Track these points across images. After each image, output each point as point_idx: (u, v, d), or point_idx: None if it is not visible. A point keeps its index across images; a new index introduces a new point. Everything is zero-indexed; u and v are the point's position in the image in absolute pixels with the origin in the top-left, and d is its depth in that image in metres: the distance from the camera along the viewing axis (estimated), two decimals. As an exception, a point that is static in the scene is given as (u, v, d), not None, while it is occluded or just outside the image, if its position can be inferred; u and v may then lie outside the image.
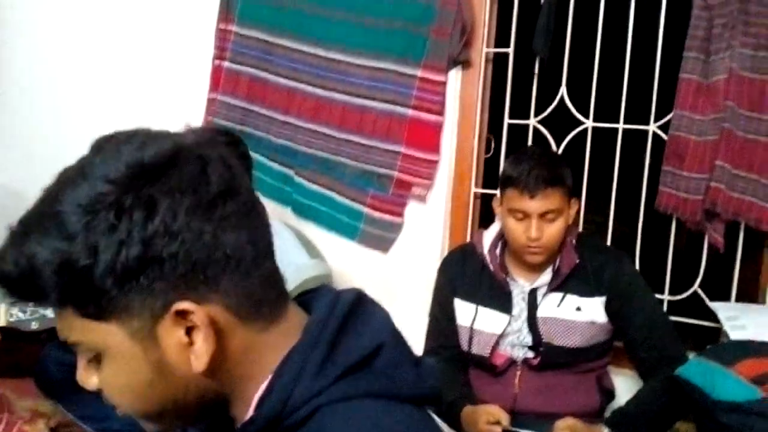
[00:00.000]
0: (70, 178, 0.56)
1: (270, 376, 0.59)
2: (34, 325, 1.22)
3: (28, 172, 2.12)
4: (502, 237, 1.54)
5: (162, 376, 0.58)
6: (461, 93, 1.88)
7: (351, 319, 0.62)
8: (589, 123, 1.79)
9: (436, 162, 1.87)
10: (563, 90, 1.80)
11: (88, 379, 0.61)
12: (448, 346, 1.55)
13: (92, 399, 1.59)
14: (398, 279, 1.91)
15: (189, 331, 0.57)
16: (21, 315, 1.22)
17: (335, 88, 1.97)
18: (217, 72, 2.19)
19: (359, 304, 0.63)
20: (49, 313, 1.22)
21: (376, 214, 1.93)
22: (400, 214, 1.91)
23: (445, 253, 1.82)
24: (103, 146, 0.58)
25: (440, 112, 1.87)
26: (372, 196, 1.92)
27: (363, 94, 1.94)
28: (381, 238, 1.92)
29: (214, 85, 2.20)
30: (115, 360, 0.58)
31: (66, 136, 2.19)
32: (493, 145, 1.93)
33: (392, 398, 0.59)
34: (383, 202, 1.92)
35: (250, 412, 0.59)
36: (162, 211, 0.54)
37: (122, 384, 0.59)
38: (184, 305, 0.55)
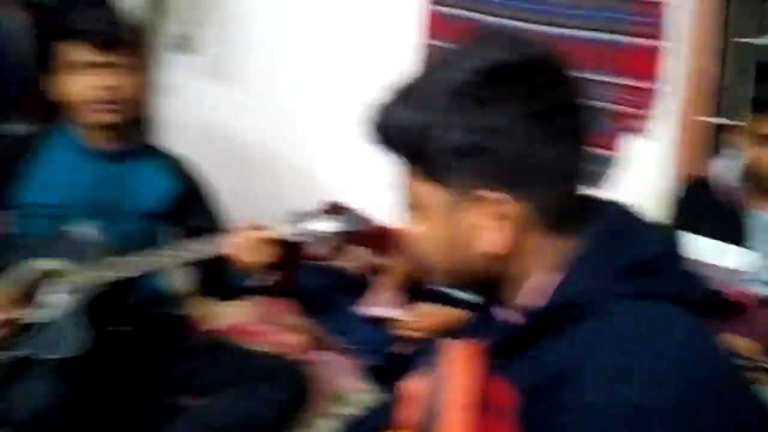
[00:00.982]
0: (443, 63, 0.68)
1: (555, 272, 0.67)
2: (299, 237, 1.40)
3: (270, 123, 2.44)
4: (742, 168, 1.47)
5: (456, 244, 0.70)
6: (688, 12, 1.77)
7: (634, 226, 0.70)
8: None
9: (656, 90, 1.81)
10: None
11: (408, 224, 0.75)
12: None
13: (346, 315, 1.84)
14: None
15: (490, 217, 0.66)
16: (289, 228, 1.40)
17: (548, 21, 1.96)
18: (432, 18, 2.28)
19: (638, 214, 0.70)
20: (311, 227, 1.42)
21: (590, 149, 1.92)
22: (616, 148, 1.89)
23: (671, 187, 1.77)
24: (476, 41, 0.69)
25: (659, 37, 1.79)
26: (586, 129, 1.92)
27: (576, 25, 1.91)
28: (593, 173, 1.92)
29: (428, 31, 2.30)
30: (430, 217, 0.71)
31: (294, 84, 2.48)
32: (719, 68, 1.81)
33: (673, 301, 0.66)
34: (598, 136, 1.91)
35: (534, 298, 0.69)
36: (504, 109, 0.64)
37: (428, 238, 0.72)
38: (492, 194, 0.65)
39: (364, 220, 1.44)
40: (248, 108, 2.40)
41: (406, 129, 0.68)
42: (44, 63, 1.50)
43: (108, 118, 1.49)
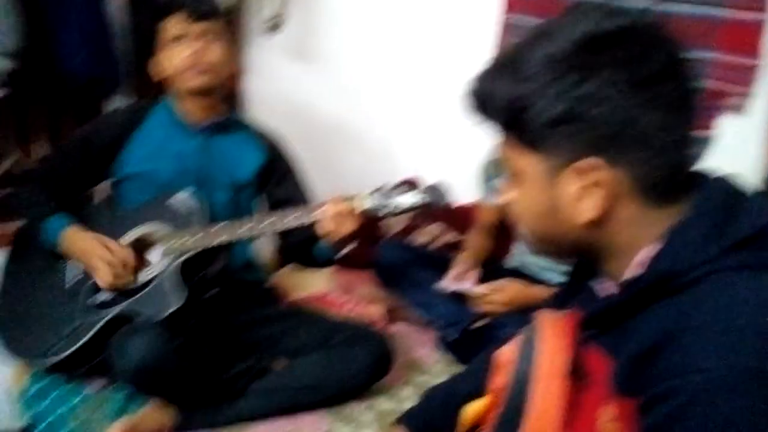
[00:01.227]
0: (540, 33, 0.69)
1: (657, 243, 0.67)
2: (386, 210, 1.43)
3: (351, 101, 2.48)
4: None
5: (554, 213, 0.71)
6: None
7: (738, 199, 0.69)
8: None
9: (756, 67, 1.73)
10: None
11: (503, 194, 0.78)
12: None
13: (423, 288, 1.87)
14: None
15: (587, 186, 0.67)
16: (375, 201, 1.44)
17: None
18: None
19: (742, 187, 0.70)
20: (397, 201, 1.45)
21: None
22: (711, 127, 1.82)
23: (766, 165, 1.70)
24: (573, 12, 0.70)
25: (762, 9, 1.71)
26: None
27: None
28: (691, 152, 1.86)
29: (508, 6, 2.27)
30: (525, 185, 0.72)
31: (375, 63, 2.50)
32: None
33: None
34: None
35: (636, 270, 0.70)
36: (599, 78, 0.64)
37: (523, 205, 0.74)
38: (590, 162, 0.65)
39: (447, 194, 1.46)
40: (330, 87, 2.45)
41: (505, 98, 0.69)
42: (147, 44, 1.59)
43: (198, 81, 1.56)
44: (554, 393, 0.83)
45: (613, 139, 0.65)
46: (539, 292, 1.73)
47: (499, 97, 0.69)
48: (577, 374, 0.76)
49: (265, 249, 2.06)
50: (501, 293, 1.70)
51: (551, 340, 0.88)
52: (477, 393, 1.06)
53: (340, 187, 1.52)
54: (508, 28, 2.28)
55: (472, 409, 1.04)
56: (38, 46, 1.67)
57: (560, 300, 0.99)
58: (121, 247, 1.49)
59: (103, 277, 1.46)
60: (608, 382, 0.73)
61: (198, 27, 1.55)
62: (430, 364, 1.79)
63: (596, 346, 0.76)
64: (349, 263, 2.15)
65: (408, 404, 1.54)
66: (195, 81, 1.57)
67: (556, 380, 0.83)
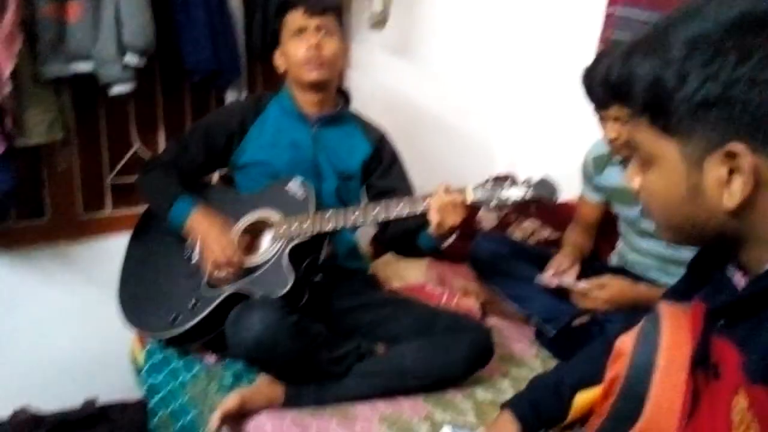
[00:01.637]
0: (685, 13, 0.67)
1: None
2: (493, 203, 1.46)
3: (451, 96, 2.50)
4: None
5: (692, 199, 0.68)
6: None
7: None
8: None
9: None
10: None
11: (632, 178, 0.76)
12: None
13: (521, 282, 1.86)
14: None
15: (731, 172, 0.64)
16: (482, 194, 1.47)
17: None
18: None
19: None
20: (504, 194, 1.47)
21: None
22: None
23: None
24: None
25: None
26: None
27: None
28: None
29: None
30: (661, 171, 0.70)
31: (474, 59, 2.51)
32: None
33: None
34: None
35: None
36: (754, 61, 0.62)
37: (658, 192, 0.72)
38: (737, 148, 0.63)
39: (557, 189, 1.45)
40: (430, 81, 2.48)
41: (648, 81, 0.67)
42: (268, 39, 1.69)
43: (315, 75, 1.66)
44: (677, 384, 0.83)
45: (759, 123, 0.63)
46: (644, 290, 1.69)
47: (641, 79, 0.68)
48: (706, 365, 0.75)
49: (366, 238, 2.13)
50: (604, 290, 1.68)
51: (674, 330, 0.87)
52: (588, 382, 1.07)
53: (437, 180, 1.54)
54: (611, 20, 2.23)
55: (586, 398, 1.04)
56: (164, 42, 1.79)
57: (681, 291, 0.98)
58: (233, 249, 1.56)
59: (210, 264, 1.56)
60: (739, 372, 0.72)
61: (315, 21, 1.64)
62: (527, 359, 1.79)
63: (725, 336, 0.75)
64: (444, 256, 2.18)
65: (506, 396, 1.55)
66: (313, 74, 1.65)
67: (680, 371, 0.83)
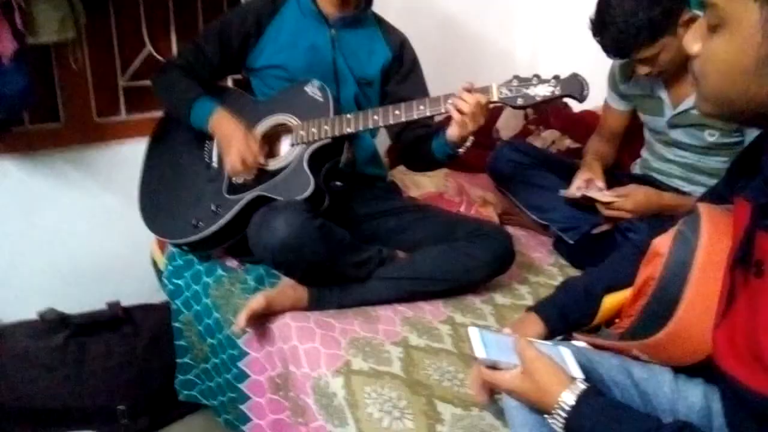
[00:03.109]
0: None
1: None
2: (520, 101, 1.42)
3: None
4: None
5: (758, 71, 0.64)
6: None
7: None
8: None
9: None
10: None
11: (693, 41, 0.71)
12: None
13: (539, 191, 1.84)
14: None
15: None
16: (508, 92, 1.43)
17: None
18: None
19: None
20: (532, 92, 1.42)
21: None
22: None
23: None
24: None
25: None
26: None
27: None
28: None
29: None
30: (733, 36, 0.65)
31: None
32: None
33: None
34: None
35: None
36: None
37: (722, 58, 0.67)
38: None
39: (585, 86, 1.41)
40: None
41: None
42: None
43: None
44: (712, 283, 0.83)
45: None
46: (669, 198, 1.68)
47: None
48: (748, 263, 0.75)
49: (382, 147, 2.09)
50: (629, 199, 1.66)
51: (713, 230, 0.86)
52: (617, 285, 1.07)
53: (456, 84, 1.49)
54: None
55: (614, 300, 1.05)
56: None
57: (719, 193, 0.96)
58: (255, 150, 1.54)
59: (231, 165, 1.53)
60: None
61: None
62: (545, 266, 1.80)
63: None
64: (461, 166, 2.15)
65: (525, 302, 1.59)
66: None
67: (716, 271, 0.82)
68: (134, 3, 1.83)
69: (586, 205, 1.76)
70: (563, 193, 1.79)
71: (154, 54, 1.98)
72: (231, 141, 1.54)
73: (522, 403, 0.87)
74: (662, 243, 0.90)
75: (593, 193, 1.72)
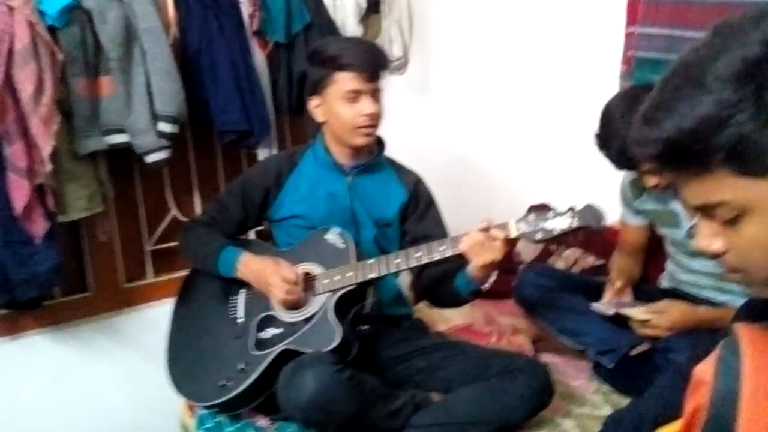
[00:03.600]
0: (723, 43, 0.61)
1: None
2: (539, 236, 1.44)
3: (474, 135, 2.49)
4: None
5: None
6: None
7: None
8: None
9: None
10: None
11: (711, 243, 0.68)
12: None
13: (568, 315, 1.80)
14: None
15: None
16: (526, 228, 1.45)
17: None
18: (633, 5, 2.21)
19: None
20: (549, 225, 1.44)
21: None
22: None
23: None
24: (755, 15, 0.62)
25: None
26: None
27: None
28: None
29: (631, 18, 2.22)
30: (760, 218, 0.63)
31: (495, 96, 2.51)
32: None
33: None
34: None
35: None
36: None
37: (759, 242, 0.64)
38: None
39: (603, 215, 1.42)
40: (452, 122, 2.49)
41: (708, 126, 0.60)
42: (295, 94, 1.69)
43: (366, 140, 1.67)
44: (765, 413, 0.78)
45: None
46: (705, 312, 1.63)
47: (701, 127, 0.60)
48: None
49: (405, 283, 2.09)
50: (664, 316, 1.62)
51: (755, 354, 0.82)
52: (667, 416, 1.01)
53: (471, 220, 1.51)
54: (632, 39, 2.22)
55: (666, 434, 0.99)
56: (194, 107, 1.82)
57: (758, 308, 0.93)
58: (292, 267, 1.57)
59: (278, 292, 1.54)
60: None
61: (372, 86, 1.63)
62: (588, 395, 1.72)
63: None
64: (487, 294, 2.13)
65: (571, 436, 1.50)
66: (365, 139, 1.66)
67: (767, 399, 0.78)
68: (159, 169, 1.93)
69: (619, 320, 1.71)
70: (594, 307, 1.74)
71: (179, 216, 2.06)
72: (266, 273, 1.57)
73: None
74: (704, 371, 0.86)
75: (627, 311, 1.68)
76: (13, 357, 1.85)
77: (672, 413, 0.99)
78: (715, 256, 0.70)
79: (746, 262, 0.68)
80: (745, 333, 0.85)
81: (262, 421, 1.63)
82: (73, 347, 1.93)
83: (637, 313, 1.66)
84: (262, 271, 1.58)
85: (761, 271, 0.68)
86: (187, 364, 1.68)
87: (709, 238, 0.68)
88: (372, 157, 1.75)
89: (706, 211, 0.66)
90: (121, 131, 1.72)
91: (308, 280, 1.64)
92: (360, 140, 1.66)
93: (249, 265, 1.61)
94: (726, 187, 0.63)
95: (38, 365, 1.88)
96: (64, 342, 1.92)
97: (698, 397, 0.89)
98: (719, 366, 0.85)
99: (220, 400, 1.56)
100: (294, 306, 1.57)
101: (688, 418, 0.92)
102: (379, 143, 1.78)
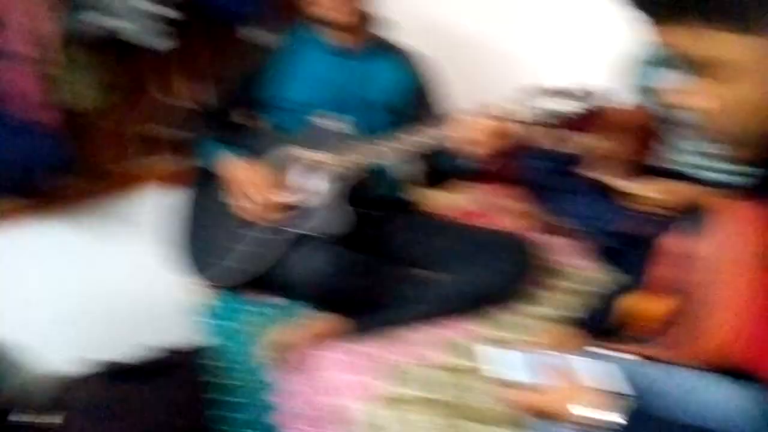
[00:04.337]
0: None
1: None
2: (543, 118, 1.41)
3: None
4: None
5: None
6: None
7: None
8: None
9: None
10: None
11: (700, 96, 0.69)
12: None
13: (567, 196, 1.80)
14: None
15: None
16: (531, 110, 1.42)
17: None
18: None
19: None
20: (560, 108, 1.41)
21: None
22: None
23: None
24: None
25: None
26: None
27: None
28: None
29: None
30: (739, 78, 0.64)
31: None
32: None
33: None
34: None
35: None
36: None
37: (738, 102, 0.65)
38: None
39: (608, 98, 1.39)
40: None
41: None
42: None
43: (342, 17, 1.62)
44: (744, 281, 0.79)
45: None
46: (698, 191, 1.64)
47: None
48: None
49: (406, 167, 2.10)
50: (659, 194, 1.63)
51: (735, 226, 0.83)
52: (633, 287, 1.05)
53: (474, 102, 1.50)
54: None
55: (630, 303, 1.03)
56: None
57: (743, 188, 0.93)
58: (265, 188, 1.60)
59: (241, 208, 1.60)
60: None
61: None
62: (578, 271, 1.78)
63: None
64: (489, 177, 2.14)
65: (558, 310, 1.57)
66: (339, 16, 1.62)
67: (746, 268, 0.79)
68: (158, 58, 1.89)
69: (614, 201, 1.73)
70: (590, 185, 1.76)
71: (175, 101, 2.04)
72: (236, 190, 1.61)
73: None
74: (670, 243, 0.89)
75: (620, 185, 1.69)
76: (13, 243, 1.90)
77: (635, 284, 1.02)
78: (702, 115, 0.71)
79: (727, 122, 0.69)
80: (726, 206, 0.85)
81: (271, 300, 1.71)
82: (86, 229, 1.99)
83: (635, 188, 1.66)
84: (234, 183, 1.62)
85: (739, 132, 0.69)
86: (193, 245, 1.74)
87: (697, 92, 0.69)
88: (373, 38, 1.71)
89: (702, 67, 0.67)
90: (121, 17, 1.68)
91: (311, 166, 1.67)
92: (335, 16, 1.61)
93: (226, 171, 1.64)
94: (706, 38, 0.64)
95: (32, 248, 1.93)
96: (59, 225, 1.96)
97: (667, 268, 0.93)
98: (702, 240, 0.86)
99: (225, 281, 1.64)
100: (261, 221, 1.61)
101: (656, 288, 0.95)
102: (380, 24, 1.73)
